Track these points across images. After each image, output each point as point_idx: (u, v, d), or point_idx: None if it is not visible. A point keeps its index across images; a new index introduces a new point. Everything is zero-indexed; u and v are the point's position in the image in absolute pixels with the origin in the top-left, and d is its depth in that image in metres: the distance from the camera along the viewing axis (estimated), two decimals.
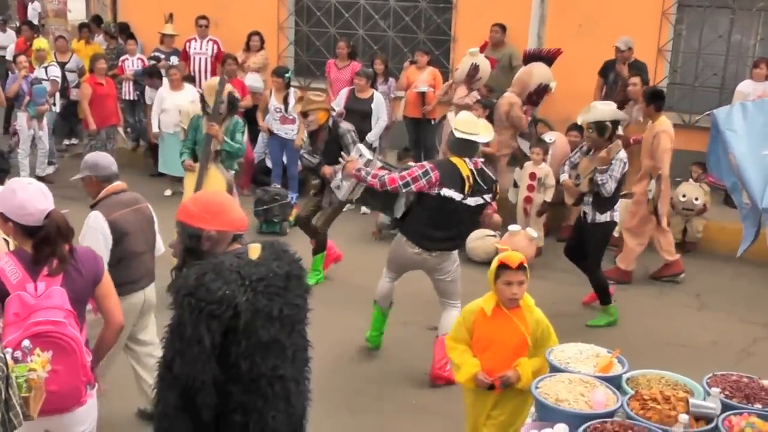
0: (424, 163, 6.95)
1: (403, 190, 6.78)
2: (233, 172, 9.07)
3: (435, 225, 6.79)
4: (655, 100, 9.25)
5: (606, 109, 8.01)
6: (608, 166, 7.74)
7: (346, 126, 8.78)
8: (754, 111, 4.49)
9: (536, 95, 11.05)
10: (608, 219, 8.05)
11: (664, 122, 9.16)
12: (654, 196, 8.93)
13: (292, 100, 11.64)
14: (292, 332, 3.75)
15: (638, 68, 11.17)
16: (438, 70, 12.33)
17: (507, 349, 5.05)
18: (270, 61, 13.43)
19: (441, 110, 12.05)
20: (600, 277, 8.35)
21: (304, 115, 8.79)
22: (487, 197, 6.83)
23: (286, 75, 11.65)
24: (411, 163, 8.19)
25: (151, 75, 12.83)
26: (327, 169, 8.54)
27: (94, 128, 12.10)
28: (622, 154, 7.80)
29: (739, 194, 4.43)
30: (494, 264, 5.04)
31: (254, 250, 3.75)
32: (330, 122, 8.73)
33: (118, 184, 5.68)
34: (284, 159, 11.94)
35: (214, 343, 3.51)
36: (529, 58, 11.18)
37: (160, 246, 5.99)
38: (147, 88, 12.98)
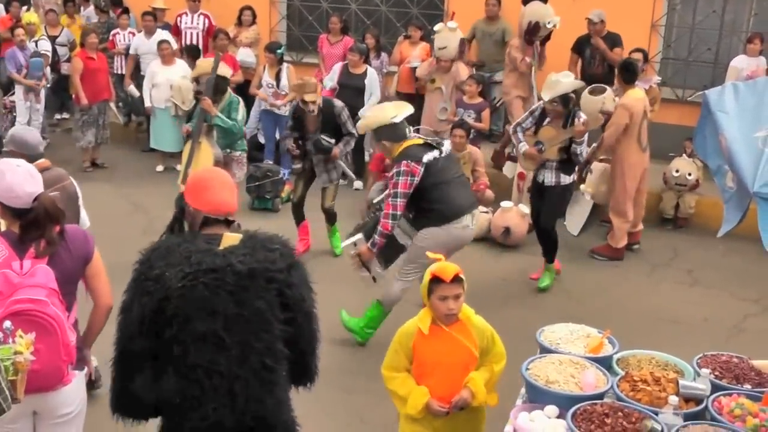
0: (393, 171, 6.86)
1: (400, 205, 6.78)
2: (238, 152, 9.14)
3: (452, 193, 6.88)
4: (624, 72, 9.29)
5: (569, 81, 8.20)
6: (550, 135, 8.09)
7: (339, 103, 8.80)
8: (746, 92, 4.46)
9: (528, 34, 11.05)
10: (572, 180, 8.44)
11: (629, 95, 9.16)
12: (586, 157, 8.91)
13: (284, 76, 11.59)
14: (243, 332, 3.54)
15: (612, 40, 11.16)
16: (430, 46, 12.24)
17: (455, 369, 4.59)
18: (262, 36, 13.34)
19: (430, 86, 11.99)
20: (555, 236, 8.54)
21: (305, 102, 8.63)
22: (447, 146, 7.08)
23: (279, 51, 11.60)
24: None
25: None
26: (336, 151, 8.64)
27: (85, 103, 12.01)
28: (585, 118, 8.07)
29: (723, 177, 4.42)
30: (426, 277, 4.59)
31: (227, 240, 3.63)
32: (320, 102, 8.70)
33: (42, 162, 5.61)
34: (277, 135, 11.90)
35: (143, 318, 3.50)
36: None
37: (85, 221, 6.10)
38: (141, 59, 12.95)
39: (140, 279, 3.56)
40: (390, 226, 6.83)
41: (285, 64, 11.75)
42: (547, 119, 8.22)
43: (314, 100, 8.57)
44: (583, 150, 8.12)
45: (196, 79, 9.01)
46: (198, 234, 3.69)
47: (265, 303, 3.57)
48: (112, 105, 13.08)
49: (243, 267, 3.53)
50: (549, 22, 10.90)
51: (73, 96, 12.47)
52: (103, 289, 4.37)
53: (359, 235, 7.31)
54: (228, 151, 9.07)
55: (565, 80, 8.15)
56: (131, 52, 12.95)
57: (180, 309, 3.50)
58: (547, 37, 11.26)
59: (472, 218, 7.04)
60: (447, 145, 7.07)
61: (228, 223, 3.74)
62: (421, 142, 6.94)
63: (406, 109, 7.09)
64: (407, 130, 7.01)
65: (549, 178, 8.26)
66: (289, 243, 3.77)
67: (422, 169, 6.72)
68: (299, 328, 3.69)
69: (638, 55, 10.37)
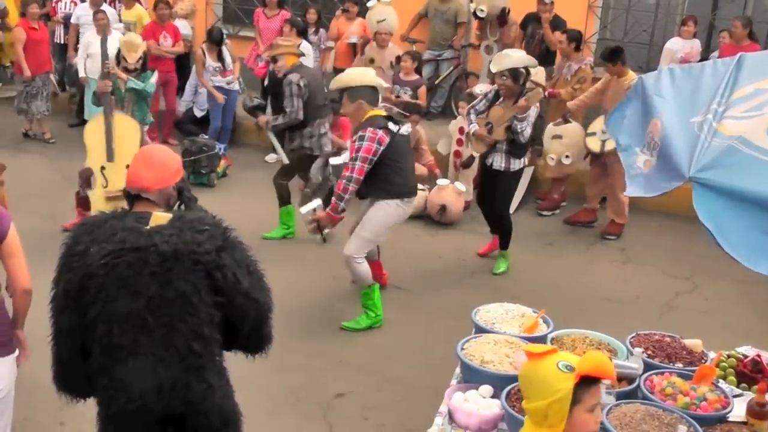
0: (358, 135, 6.88)
1: (359, 169, 6.78)
2: (147, 126, 8.94)
3: (406, 169, 7.01)
4: (616, 57, 9.31)
5: (519, 56, 8.10)
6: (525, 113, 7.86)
7: (294, 78, 8.45)
8: (682, 77, 4.50)
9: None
10: (523, 165, 8.30)
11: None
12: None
13: (226, 54, 11.50)
14: (168, 314, 3.45)
15: (556, 23, 11.22)
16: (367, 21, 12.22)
17: None
18: (198, 8, 13.18)
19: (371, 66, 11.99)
20: (509, 222, 8.48)
21: (274, 60, 8.59)
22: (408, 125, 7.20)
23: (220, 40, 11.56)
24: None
25: None
26: (263, 119, 8.58)
27: (28, 75, 11.80)
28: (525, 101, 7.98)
29: (632, 156, 4.48)
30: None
31: (156, 219, 3.55)
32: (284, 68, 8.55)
33: None
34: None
35: (68, 293, 3.49)
36: None
37: None
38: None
39: (66, 254, 3.54)
40: (344, 187, 6.82)
41: (224, 44, 11.61)
42: (500, 100, 8.10)
43: (275, 57, 8.53)
44: (525, 128, 7.84)
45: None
46: (129, 212, 3.66)
47: (191, 285, 3.47)
48: (52, 77, 12.82)
49: (167, 248, 3.45)
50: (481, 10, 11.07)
51: (15, 66, 12.23)
52: (18, 271, 4.15)
53: (318, 201, 7.33)
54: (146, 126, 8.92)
55: (514, 54, 8.09)
56: (73, 21, 12.61)
57: (103, 287, 3.45)
58: (503, 20, 11.48)
59: (414, 198, 7.21)
60: (407, 126, 7.16)
61: (164, 205, 3.72)
62: (384, 113, 7.00)
63: (380, 80, 7.23)
64: (382, 104, 7.15)
65: (498, 162, 8.11)
66: (221, 224, 3.65)
67: (388, 138, 6.77)
68: (240, 309, 3.59)
69: (563, 38, 10.39)
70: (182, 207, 3.90)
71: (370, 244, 7.15)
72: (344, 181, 6.81)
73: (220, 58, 11.48)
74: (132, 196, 3.73)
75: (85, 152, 8.48)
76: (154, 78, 8.78)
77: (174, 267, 3.45)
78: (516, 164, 8.15)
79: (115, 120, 8.33)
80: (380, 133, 6.75)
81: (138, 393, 3.45)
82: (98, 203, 8.28)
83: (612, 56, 9.16)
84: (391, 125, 6.84)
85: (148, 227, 3.52)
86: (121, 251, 3.44)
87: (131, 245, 3.45)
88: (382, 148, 6.76)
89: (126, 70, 8.51)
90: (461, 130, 10.03)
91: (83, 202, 8.60)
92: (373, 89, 7.00)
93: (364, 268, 7.05)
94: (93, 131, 8.40)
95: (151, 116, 9.16)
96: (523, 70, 7.95)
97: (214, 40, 11.42)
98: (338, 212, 7.00)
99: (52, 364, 3.69)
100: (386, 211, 6.97)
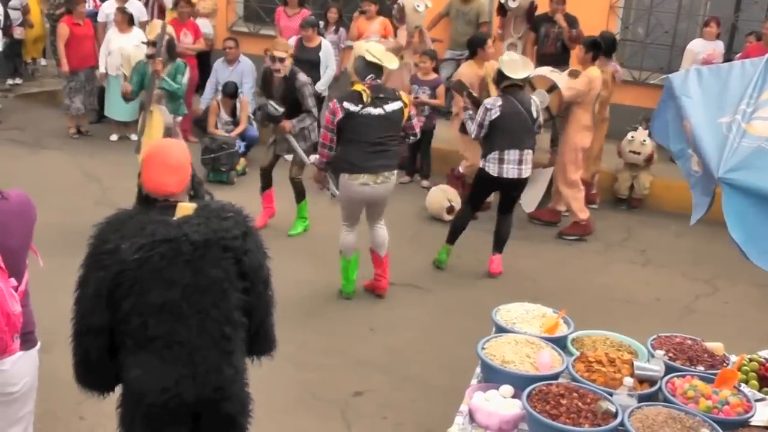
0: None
1: (324, 135, 7.26)
2: (180, 117, 8.91)
3: (365, 148, 7.14)
4: (592, 48, 9.39)
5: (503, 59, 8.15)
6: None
7: (305, 78, 8.59)
8: (710, 77, 4.45)
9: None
10: (481, 165, 8.21)
11: (590, 71, 9.35)
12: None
13: (239, 109, 11.54)
14: (201, 301, 3.55)
15: (570, 22, 11.17)
16: (389, 20, 12.19)
17: None
18: (219, 7, 13.20)
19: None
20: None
21: (280, 60, 8.52)
22: (395, 105, 7.20)
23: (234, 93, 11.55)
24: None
25: None
26: (286, 124, 8.54)
27: (66, 70, 11.94)
28: (487, 100, 8.03)
29: (688, 161, 4.40)
30: None
31: (182, 209, 3.61)
32: (288, 71, 8.58)
33: None
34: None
35: (100, 292, 3.49)
36: None
37: None
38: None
39: (95, 253, 3.53)
40: (319, 151, 7.40)
41: (238, 98, 11.60)
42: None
43: (282, 57, 8.48)
44: (467, 119, 8.16)
45: (153, 43, 8.73)
46: (152, 205, 3.67)
47: (222, 271, 3.58)
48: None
49: (198, 237, 3.53)
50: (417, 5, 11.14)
51: (57, 62, 12.38)
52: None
53: (314, 157, 7.90)
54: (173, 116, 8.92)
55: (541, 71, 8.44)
56: (100, 19, 12.64)
57: (137, 281, 3.48)
58: (531, 15, 11.59)
59: (376, 177, 7.22)
60: (377, 111, 7.13)
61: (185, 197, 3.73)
62: (360, 89, 7.13)
63: (393, 62, 7.42)
64: (371, 77, 7.21)
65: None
66: (242, 211, 3.76)
67: (342, 114, 7.09)
68: (258, 296, 3.72)
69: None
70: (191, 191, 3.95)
71: (346, 215, 7.49)
72: (320, 147, 7.39)
73: (234, 112, 11.47)
74: (150, 198, 3.70)
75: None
76: (186, 76, 8.78)
77: (205, 254, 3.54)
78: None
79: (153, 116, 8.47)
80: (336, 106, 7.12)
81: (173, 382, 3.54)
82: None
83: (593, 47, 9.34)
84: (346, 104, 7.08)
85: (175, 218, 3.58)
86: (153, 244, 3.49)
87: (162, 237, 3.50)
88: (336, 119, 7.11)
89: (150, 56, 8.51)
90: None
91: None
92: (369, 64, 7.21)
93: (346, 239, 7.52)
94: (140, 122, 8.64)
95: (185, 107, 9.16)
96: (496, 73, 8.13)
97: (228, 93, 11.40)
98: (320, 168, 7.56)
99: (76, 364, 3.67)
100: (341, 185, 7.35)
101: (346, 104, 7.08)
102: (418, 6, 11.07)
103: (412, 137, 7.63)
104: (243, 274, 3.64)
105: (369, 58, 7.20)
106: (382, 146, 7.18)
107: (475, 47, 9.98)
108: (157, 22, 8.87)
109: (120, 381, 3.68)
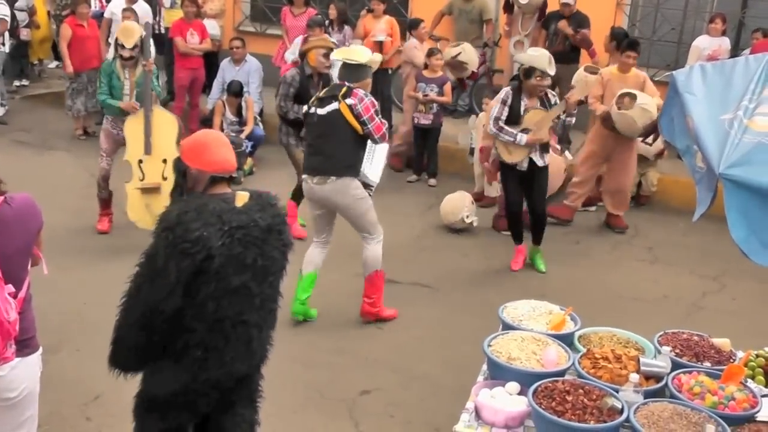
0: None
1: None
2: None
3: (307, 148, 7.10)
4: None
5: (534, 55, 8.07)
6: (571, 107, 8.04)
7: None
8: (714, 74, 4.44)
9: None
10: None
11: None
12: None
13: (245, 108, 11.54)
14: (263, 282, 3.82)
15: (579, 20, 11.15)
16: (395, 19, 12.20)
17: None
18: (226, 7, 13.21)
19: (397, 59, 11.99)
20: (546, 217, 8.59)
21: (325, 58, 8.43)
22: (331, 106, 6.75)
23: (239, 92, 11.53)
24: None
25: None
26: None
27: (70, 71, 11.94)
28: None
29: (693, 157, 4.39)
30: None
31: (241, 198, 3.83)
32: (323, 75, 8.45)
33: None
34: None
35: (180, 279, 3.62)
36: None
37: None
38: None
39: (176, 243, 3.61)
40: None
41: (243, 97, 11.59)
42: (524, 104, 8.00)
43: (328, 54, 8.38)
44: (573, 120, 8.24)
45: (135, 47, 8.61)
46: (207, 195, 3.82)
47: (279, 253, 3.90)
48: None
49: (263, 222, 3.81)
50: None
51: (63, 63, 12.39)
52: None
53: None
54: None
55: (534, 53, 8.12)
56: (106, 15, 12.68)
57: (221, 267, 3.67)
58: (543, 12, 11.59)
59: (312, 178, 6.86)
60: (324, 110, 6.81)
61: (231, 180, 3.92)
62: (322, 94, 6.97)
63: (362, 55, 7.01)
64: (356, 75, 6.93)
65: (539, 159, 8.07)
66: (277, 199, 4.02)
67: (302, 116, 7.27)
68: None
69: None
70: None
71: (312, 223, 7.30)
72: None
73: (240, 112, 11.47)
74: (211, 179, 3.84)
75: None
76: (159, 79, 8.81)
77: (268, 239, 3.83)
78: (548, 158, 8.22)
79: (154, 114, 8.43)
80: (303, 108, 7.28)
81: (229, 359, 3.79)
82: (134, 196, 8.49)
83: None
84: (307, 107, 7.08)
85: (240, 206, 3.80)
86: (231, 230, 3.69)
87: (237, 224, 3.72)
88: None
89: (122, 58, 8.51)
90: (483, 150, 9.76)
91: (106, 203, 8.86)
92: (344, 65, 6.98)
93: (308, 252, 7.11)
94: (132, 125, 8.48)
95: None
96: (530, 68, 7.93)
97: (233, 91, 11.39)
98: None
99: (122, 350, 3.79)
100: None
101: (304, 107, 7.23)
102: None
103: (373, 143, 7.16)
104: (286, 257, 3.98)
105: (334, 56, 7.34)
106: (316, 148, 6.91)
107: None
108: (130, 25, 8.88)
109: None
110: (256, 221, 3.77)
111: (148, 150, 8.42)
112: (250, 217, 3.76)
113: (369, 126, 6.77)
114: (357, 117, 6.72)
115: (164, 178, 8.36)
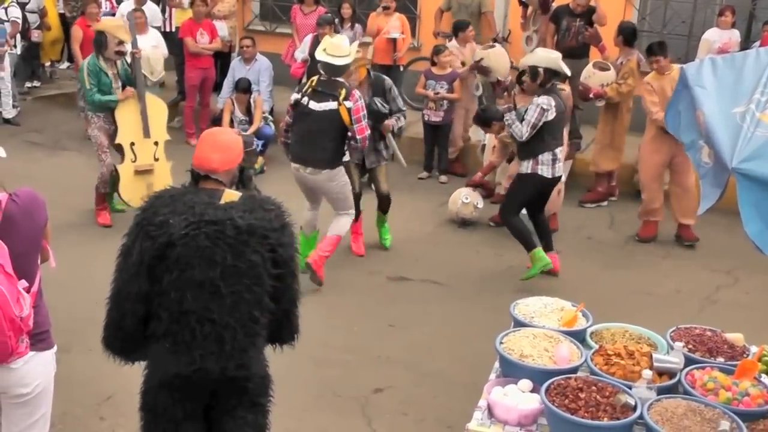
0: None
1: (287, 119, 7.71)
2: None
3: (299, 139, 7.52)
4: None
5: (542, 56, 7.85)
6: (520, 106, 7.94)
7: (389, 80, 8.46)
8: (724, 68, 4.41)
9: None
10: (526, 170, 7.79)
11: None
12: None
13: (253, 106, 11.54)
14: (237, 283, 3.74)
15: (591, 15, 11.04)
16: (405, 16, 12.19)
17: None
18: (236, 7, 13.22)
19: (409, 56, 11.99)
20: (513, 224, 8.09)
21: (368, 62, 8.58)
22: (329, 104, 7.35)
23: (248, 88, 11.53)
24: None
25: None
26: (389, 122, 8.18)
27: None
28: (541, 100, 7.55)
29: (698, 152, 4.37)
30: None
31: (228, 196, 3.82)
32: (372, 76, 8.39)
33: None
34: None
35: (144, 260, 3.67)
36: None
37: None
38: None
39: (143, 224, 3.72)
40: (280, 134, 7.99)
41: (252, 95, 11.58)
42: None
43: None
44: (513, 122, 7.66)
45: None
46: (198, 188, 3.87)
47: (260, 258, 3.77)
48: None
49: (243, 222, 3.73)
50: None
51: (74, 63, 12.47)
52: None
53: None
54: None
55: (541, 53, 7.94)
56: (117, 17, 12.69)
57: (182, 256, 3.68)
58: (546, 8, 11.39)
59: (312, 170, 7.53)
60: (319, 107, 7.37)
61: (229, 184, 3.93)
62: (314, 83, 7.47)
63: (340, 52, 7.42)
64: (329, 68, 7.41)
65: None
66: (282, 206, 3.96)
67: (292, 100, 7.55)
68: (285, 287, 3.91)
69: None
70: (241, 185, 4.23)
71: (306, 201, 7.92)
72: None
73: (249, 110, 11.46)
74: (197, 175, 3.90)
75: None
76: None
77: (248, 240, 3.74)
78: (522, 167, 7.83)
79: (149, 100, 8.87)
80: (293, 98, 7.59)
81: (199, 357, 3.73)
82: (127, 177, 8.84)
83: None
84: (295, 93, 7.58)
85: (222, 202, 3.79)
86: (200, 223, 3.69)
87: (210, 218, 3.71)
88: (289, 111, 7.63)
89: (119, 53, 8.76)
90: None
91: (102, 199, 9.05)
92: (321, 63, 7.49)
93: (303, 215, 7.75)
94: (123, 110, 8.76)
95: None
96: (542, 71, 7.63)
97: (242, 88, 11.38)
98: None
99: (107, 328, 3.85)
100: None
101: (294, 93, 7.57)
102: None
103: (353, 142, 7.49)
104: (276, 264, 3.83)
105: (318, 56, 7.47)
106: (308, 140, 7.44)
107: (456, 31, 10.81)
108: (112, 21, 9.14)
109: (145, 357, 3.88)
110: (233, 220, 3.72)
111: (146, 133, 8.83)
112: (227, 215, 3.73)
113: (355, 126, 7.39)
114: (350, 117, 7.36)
115: (156, 159, 8.90)
